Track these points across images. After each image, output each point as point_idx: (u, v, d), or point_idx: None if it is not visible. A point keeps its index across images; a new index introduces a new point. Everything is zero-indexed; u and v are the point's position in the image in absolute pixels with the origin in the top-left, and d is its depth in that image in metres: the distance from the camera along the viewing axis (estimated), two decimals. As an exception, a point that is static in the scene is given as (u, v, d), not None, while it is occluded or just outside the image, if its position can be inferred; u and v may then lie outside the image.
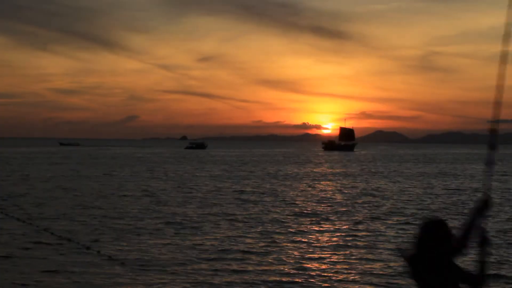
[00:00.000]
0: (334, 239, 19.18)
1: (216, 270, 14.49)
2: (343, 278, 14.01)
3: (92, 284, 13.08)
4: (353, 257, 16.19)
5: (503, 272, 14.66)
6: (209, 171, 57.84)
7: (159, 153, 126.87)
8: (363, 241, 18.59)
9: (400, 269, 14.26)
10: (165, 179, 45.59)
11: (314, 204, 29.46)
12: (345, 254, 16.61)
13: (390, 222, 23.18)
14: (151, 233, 19.67)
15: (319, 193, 35.89)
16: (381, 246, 17.82)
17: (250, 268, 14.79)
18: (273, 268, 14.82)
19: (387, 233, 20.28)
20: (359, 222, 22.92)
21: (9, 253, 16.11)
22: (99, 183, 40.14)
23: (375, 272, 14.51)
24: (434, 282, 4.38)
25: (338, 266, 15.11)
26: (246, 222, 22.54)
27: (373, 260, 15.77)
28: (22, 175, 46.93)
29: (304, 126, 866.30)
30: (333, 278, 14.00)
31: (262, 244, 17.97)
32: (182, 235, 19.28)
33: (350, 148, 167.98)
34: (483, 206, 4.54)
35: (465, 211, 27.24)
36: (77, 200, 29.17)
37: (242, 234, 19.69)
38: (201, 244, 17.71)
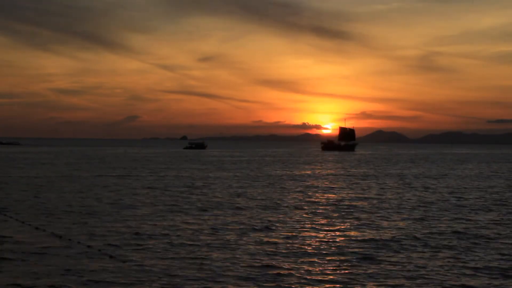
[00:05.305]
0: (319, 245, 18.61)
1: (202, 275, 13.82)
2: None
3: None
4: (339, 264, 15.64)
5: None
6: (205, 172, 57.16)
7: (159, 153, 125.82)
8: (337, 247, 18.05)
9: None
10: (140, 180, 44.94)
11: (297, 211, 28.84)
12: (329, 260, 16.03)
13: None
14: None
15: (305, 197, 35.33)
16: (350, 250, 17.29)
17: (230, 274, 14.17)
18: (259, 273, 14.18)
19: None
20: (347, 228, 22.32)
21: (14, 253, 15.94)
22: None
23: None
24: None
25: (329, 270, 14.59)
26: (236, 227, 21.85)
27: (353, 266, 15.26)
28: None
29: (304, 126, 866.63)
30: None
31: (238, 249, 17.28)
32: (157, 239, 18.56)
33: (351, 148, 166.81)
34: None
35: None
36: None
37: (228, 238, 18.99)
38: (182, 252, 17.02)
